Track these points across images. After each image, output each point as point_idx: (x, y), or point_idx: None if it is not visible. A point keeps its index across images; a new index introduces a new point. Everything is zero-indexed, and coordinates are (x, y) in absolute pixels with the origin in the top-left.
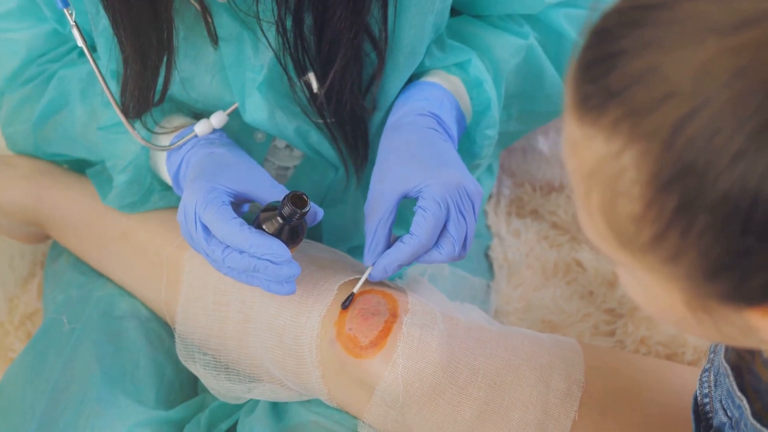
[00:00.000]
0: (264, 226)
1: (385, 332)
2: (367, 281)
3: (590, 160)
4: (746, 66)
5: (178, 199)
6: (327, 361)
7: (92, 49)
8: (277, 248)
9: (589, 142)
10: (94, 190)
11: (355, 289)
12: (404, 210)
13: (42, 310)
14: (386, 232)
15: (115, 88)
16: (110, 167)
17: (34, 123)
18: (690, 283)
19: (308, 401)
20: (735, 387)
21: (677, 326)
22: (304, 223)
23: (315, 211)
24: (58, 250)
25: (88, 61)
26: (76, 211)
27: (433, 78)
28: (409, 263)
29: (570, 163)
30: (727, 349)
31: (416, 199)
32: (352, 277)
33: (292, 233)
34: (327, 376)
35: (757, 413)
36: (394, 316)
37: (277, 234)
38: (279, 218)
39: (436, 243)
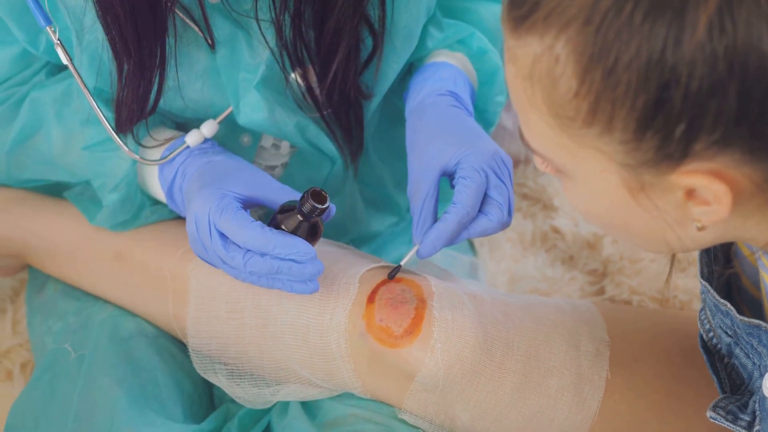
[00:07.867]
0: (283, 226)
1: (418, 319)
2: (380, 274)
3: (528, 61)
4: None
5: (169, 212)
6: (358, 354)
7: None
8: (302, 246)
9: (526, 48)
10: (76, 212)
11: (402, 262)
12: None
13: (23, 344)
14: (432, 209)
15: (102, 105)
16: (98, 187)
17: (8, 150)
18: (624, 150)
19: (339, 396)
20: (717, 296)
21: (622, 227)
22: (321, 220)
23: (330, 208)
24: (41, 280)
25: (58, 81)
26: (61, 237)
27: (441, 58)
28: (458, 236)
29: (511, 73)
30: (702, 270)
31: (452, 177)
32: (368, 267)
33: (311, 231)
34: (359, 369)
35: (743, 312)
36: (422, 301)
37: (297, 233)
38: (299, 216)
39: (482, 210)
